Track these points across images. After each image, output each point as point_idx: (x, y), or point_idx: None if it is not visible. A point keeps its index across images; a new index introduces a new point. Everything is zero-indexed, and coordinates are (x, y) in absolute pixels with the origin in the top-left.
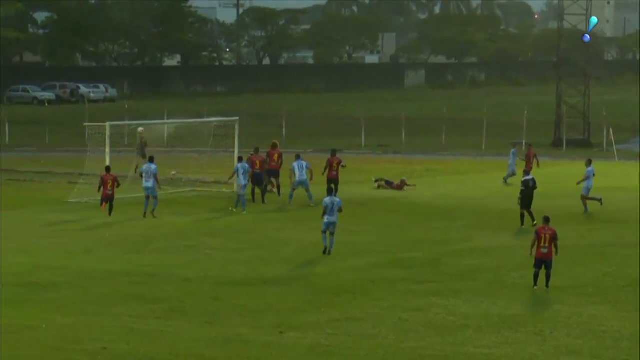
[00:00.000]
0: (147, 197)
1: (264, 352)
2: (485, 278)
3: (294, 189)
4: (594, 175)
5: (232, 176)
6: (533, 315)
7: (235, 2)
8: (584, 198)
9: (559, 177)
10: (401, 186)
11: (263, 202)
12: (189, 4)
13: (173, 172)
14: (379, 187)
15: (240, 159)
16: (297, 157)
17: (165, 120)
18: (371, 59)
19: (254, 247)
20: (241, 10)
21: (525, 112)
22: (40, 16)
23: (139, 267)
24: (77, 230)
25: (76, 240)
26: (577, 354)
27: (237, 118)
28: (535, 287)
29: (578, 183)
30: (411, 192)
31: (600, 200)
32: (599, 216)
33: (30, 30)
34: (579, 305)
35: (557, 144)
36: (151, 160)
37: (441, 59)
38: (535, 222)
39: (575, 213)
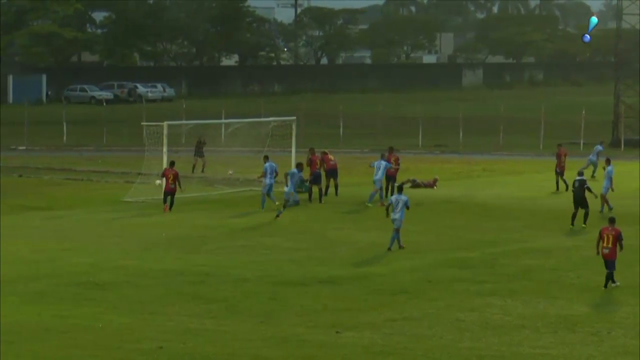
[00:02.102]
0: (287, 201)
1: (321, 351)
2: (542, 278)
3: (375, 191)
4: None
5: (261, 176)
6: (590, 315)
7: (293, 1)
8: (604, 197)
9: (616, 177)
10: (433, 184)
11: (320, 201)
12: (246, 3)
13: (230, 172)
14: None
15: (266, 158)
16: (382, 156)
17: (223, 120)
18: (429, 58)
19: (311, 247)
20: (299, 10)
21: (583, 112)
22: (99, 16)
23: (195, 267)
24: (134, 230)
25: (133, 239)
26: (634, 355)
27: (295, 118)
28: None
29: (593, 175)
30: (468, 192)
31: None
32: None
33: (89, 30)
34: (636, 306)
35: (615, 144)
36: (298, 167)
37: (499, 59)
38: (584, 225)
39: (632, 213)
